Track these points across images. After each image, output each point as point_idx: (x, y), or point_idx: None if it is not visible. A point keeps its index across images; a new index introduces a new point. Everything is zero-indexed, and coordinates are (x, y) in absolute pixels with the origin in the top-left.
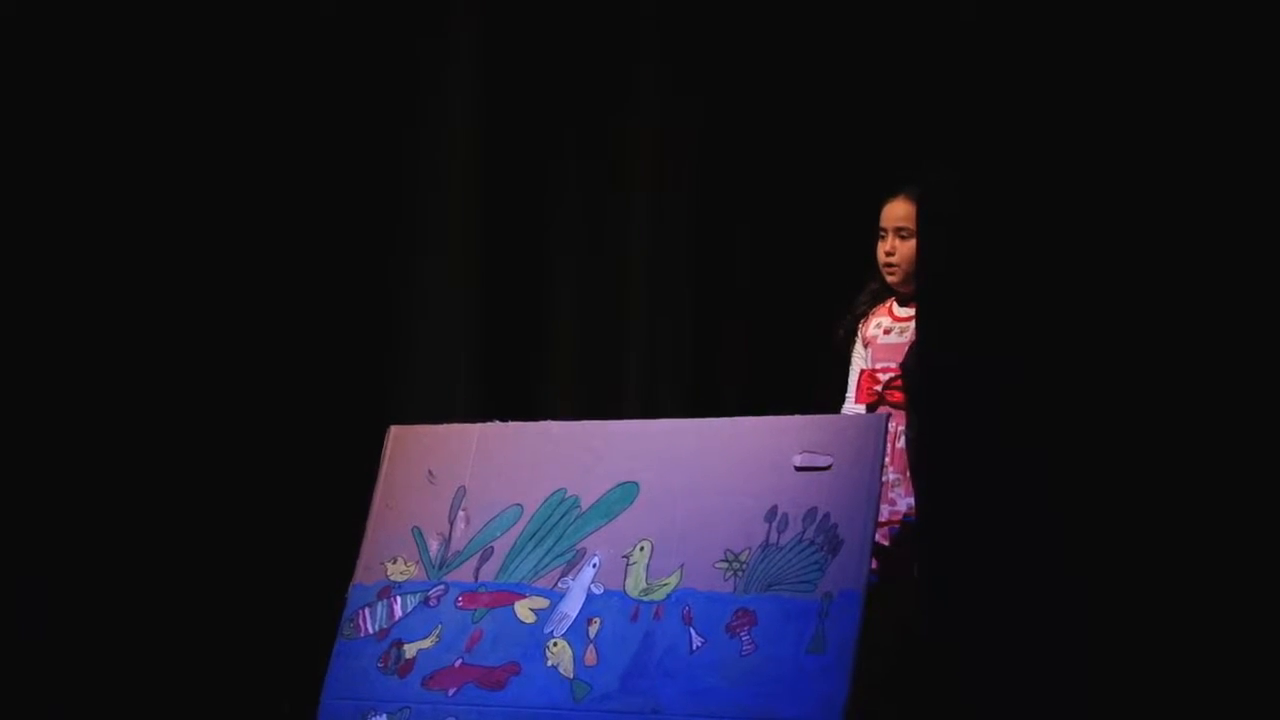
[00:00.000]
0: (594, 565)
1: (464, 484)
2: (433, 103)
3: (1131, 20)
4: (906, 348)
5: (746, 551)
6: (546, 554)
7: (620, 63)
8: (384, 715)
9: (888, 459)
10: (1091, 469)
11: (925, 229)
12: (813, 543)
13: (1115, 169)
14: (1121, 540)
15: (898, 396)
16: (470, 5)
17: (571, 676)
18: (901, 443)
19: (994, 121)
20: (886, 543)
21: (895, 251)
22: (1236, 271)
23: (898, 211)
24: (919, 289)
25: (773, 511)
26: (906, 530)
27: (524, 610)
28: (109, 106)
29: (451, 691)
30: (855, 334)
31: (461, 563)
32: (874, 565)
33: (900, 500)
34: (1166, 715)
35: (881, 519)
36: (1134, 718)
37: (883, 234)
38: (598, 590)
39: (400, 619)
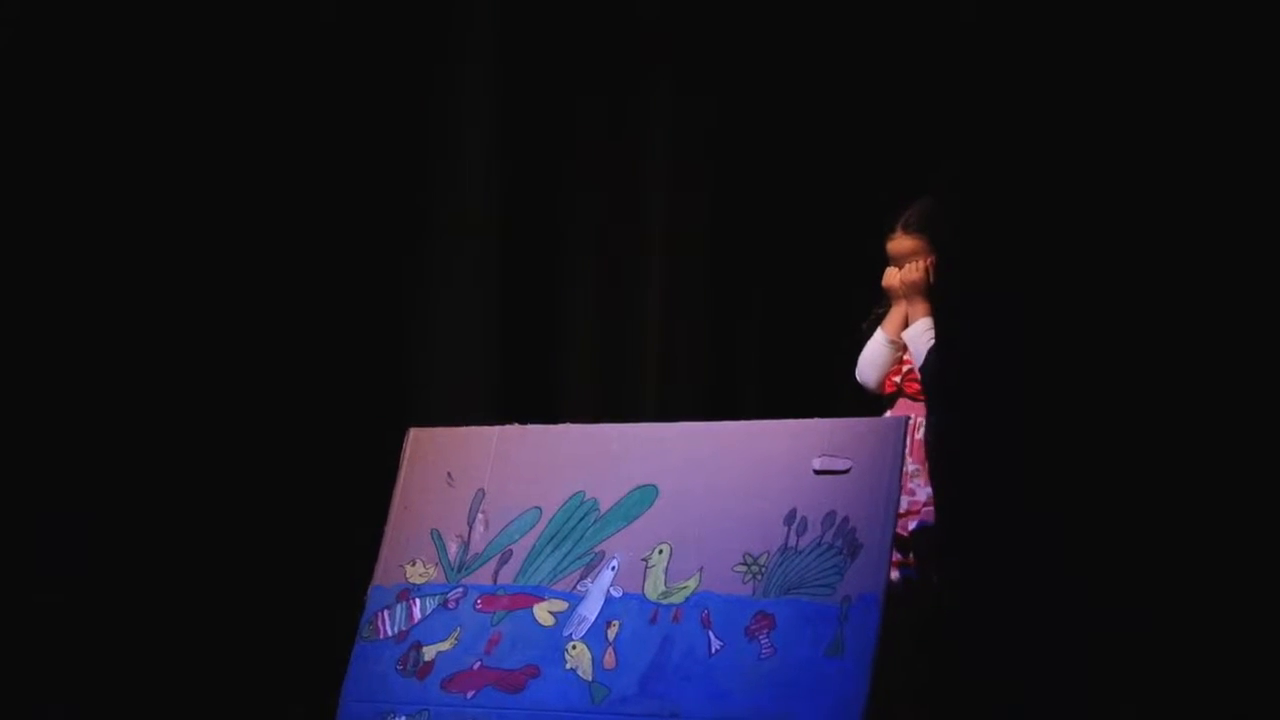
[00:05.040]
0: (613, 568)
1: (483, 486)
2: (450, 104)
3: (1137, 19)
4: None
5: (765, 555)
6: (565, 557)
7: (636, 65)
8: (403, 717)
9: (907, 451)
10: (1108, 470)
11: (941, 232)
12: (832, 546)
13: (1128, 169)
14: (1139, 543)
15: (915, 387)
16: (486, 5)
17: (590, 679)
18: (921, 434)
19: (1010, 124)
20: (905, 534)
21: None
22: (1250, 273)
23: (904, 247)
24: (936, 291)
25: (791, 515)
26: (925, 534)
27: (543, 613)
28: (142, 108)
29: (470, 694)
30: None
31: (480, 565)
32: (897, 559)
33: (919, 490)
34: (1179, 712)
35: (900, 509)
36: (1149, 714)
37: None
38: (616, 593)
39: (419, 621)
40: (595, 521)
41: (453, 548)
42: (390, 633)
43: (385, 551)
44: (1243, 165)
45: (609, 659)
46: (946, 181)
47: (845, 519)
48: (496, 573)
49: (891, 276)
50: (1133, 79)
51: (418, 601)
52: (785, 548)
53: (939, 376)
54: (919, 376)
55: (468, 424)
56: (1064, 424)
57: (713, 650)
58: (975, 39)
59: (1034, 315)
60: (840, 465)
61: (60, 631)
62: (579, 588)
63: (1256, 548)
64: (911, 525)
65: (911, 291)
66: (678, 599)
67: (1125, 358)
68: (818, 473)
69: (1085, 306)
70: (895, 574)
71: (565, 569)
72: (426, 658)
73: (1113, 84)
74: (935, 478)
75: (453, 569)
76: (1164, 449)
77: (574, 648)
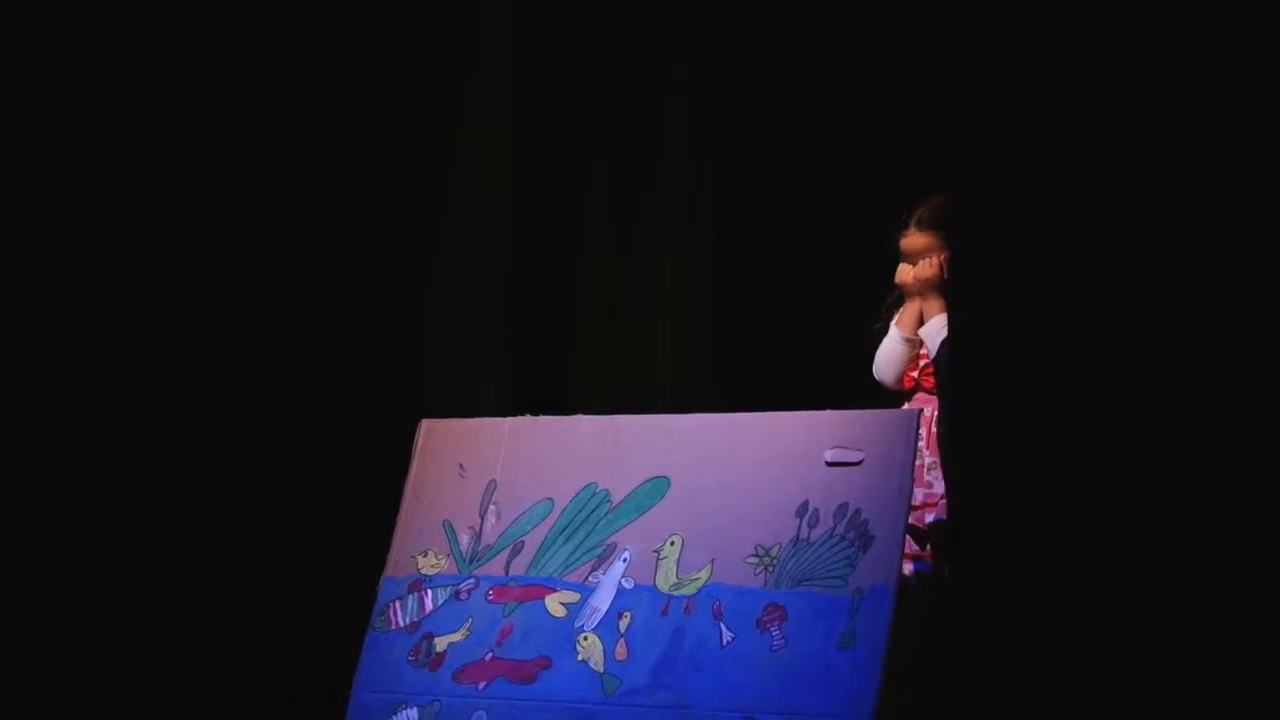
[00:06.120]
0: (624, 560)
1: (495, 478)
2: (464, 100)
3: (1139, 19)
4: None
5: (777, 546)
6: (577, 548)
7: (651, 62)
8: (414, 708)
9: (923, 444)
10: (1123, 469)
11: (957, 227)
12: (844, 538)
13: (1142, 162)
14: (1153, 541)
15: (932, 381)
16: (501, 3)
17: (602, 670)
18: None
19: (1023, 118)
20: (923, 526)
21: None
22: (1256, 270)
23: (917, 243)
24: (951, 286)
25: (804, 506)
26: (941, 527)
27: (554, 604)
28: (158, 109)
29: (482, 685)
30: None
31: (492, 556)
32: (914, 550)
33: (936, 483)
34: (1196, 710)
35: (916, 503)
36: (1162, 712)
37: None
38: (628, 585)
39: (431, 612)
40: (607, 513)
41: (465, 539)
42: (402, 623)
43: (397, 542)
44: (1243, 158)
45: (620, 650)
46: (959, 178)
47: (857, 511)
48: (508, 564)
49: (905, 273)
50: (1137, 78)
51: (430, 592)
52: (797, 539)
53: (952, 370)
54: (934, 379)
55: (480, 415)
56: (1077, 418)
57: (724, 642)
58: (982, 39)
59: (1047, 310)
60: (852, 457)
61: (77, 620)
62: (591, 579)
63: (1266, 550)
64: (929, 518)
65: (926, 288)
66: (689, 590)
67: (1139, 353)
68: (830, 464)
69: (1097, 301)
70: (911, 566)
71: (577, 560)
72: (438, 648)
73: (1119, 84)
74: (947, 470)
75: (465, 560)
76: (1178, 445)
77: (585, 639)
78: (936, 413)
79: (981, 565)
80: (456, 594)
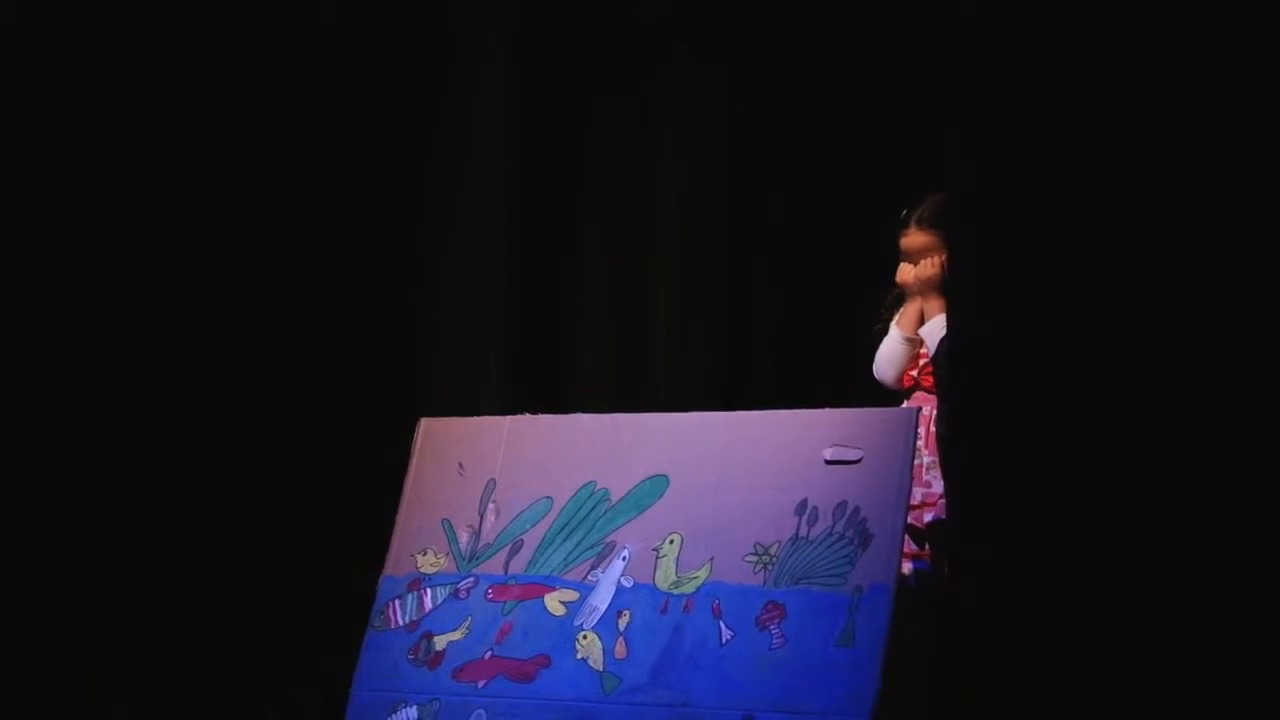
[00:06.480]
0: (624, 558)
1: (494, 476)
2: (463, 102)
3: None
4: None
5: (776, 544)
6: (576, 546)
7: (649, 62)
8: (414, 707)
9: (923, 444)
10: (1121, 468)
11: (954, 224)
12: (843, 536)
13: (1141, 161)
14: (1152, 540)
15: (932, 380)
16: (501, 4)
17: (601, 669)
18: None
19: (1024, 115)
20: (921, 525)
21: None
22: (1266, 269)
23: (918, 242)
24: (949, 283)
25: (803, 505)
26: (940, 526)
27: (554, 603)
28: (158, 111)
29: (481, 683)
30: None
31: (491, 555)
32: (913, 550)
33: (935, 482)
34: (1196, 711)
35: (915, 502)
36: (1163, 714)
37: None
38: (627, 583)
39: (430, 611)
40: (606, 511)
41: (464, 537)
42: (401, 622)
43: (396, 541)
44: (1246, 155)
45: (620, 649)
46: (958, 178)
47: (856, 509)
48: (508, 562)
49: (905, 272)
50: (1136, 79)
51: (429, 591)
52: (796, 538)
53: (952, 370)
54: (933, 378)
55: (479, 414)
56: (1076, 417)
57: (724, 640)
58: (978, 32)
59: (1046, 310)
60: (851, 455)
61: (77, 620)
62: (590, 577)
63: (1266, 548)
64: (928, 517)
65: (926, 287)
66: (689, 589)
67: (1138, 352)
68: (829, 463)
69: (1096, 301)
70: (910, 565)
71: (576, 559)
72: (438, 647)
73: (1115, 76)
74: (947, 470)
75: (464, 559)
76: (1177, 443)
77: (585, 637)
78: (936, 412)
79: (981, 564)
80: (456, 593)
